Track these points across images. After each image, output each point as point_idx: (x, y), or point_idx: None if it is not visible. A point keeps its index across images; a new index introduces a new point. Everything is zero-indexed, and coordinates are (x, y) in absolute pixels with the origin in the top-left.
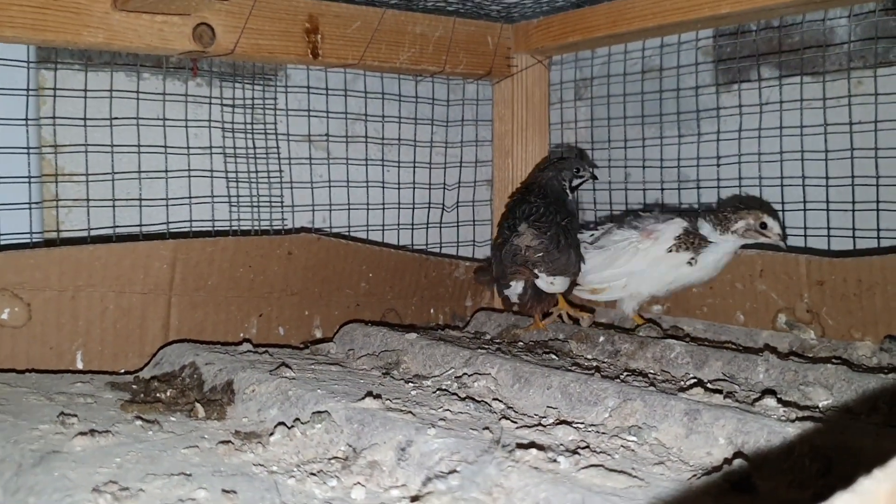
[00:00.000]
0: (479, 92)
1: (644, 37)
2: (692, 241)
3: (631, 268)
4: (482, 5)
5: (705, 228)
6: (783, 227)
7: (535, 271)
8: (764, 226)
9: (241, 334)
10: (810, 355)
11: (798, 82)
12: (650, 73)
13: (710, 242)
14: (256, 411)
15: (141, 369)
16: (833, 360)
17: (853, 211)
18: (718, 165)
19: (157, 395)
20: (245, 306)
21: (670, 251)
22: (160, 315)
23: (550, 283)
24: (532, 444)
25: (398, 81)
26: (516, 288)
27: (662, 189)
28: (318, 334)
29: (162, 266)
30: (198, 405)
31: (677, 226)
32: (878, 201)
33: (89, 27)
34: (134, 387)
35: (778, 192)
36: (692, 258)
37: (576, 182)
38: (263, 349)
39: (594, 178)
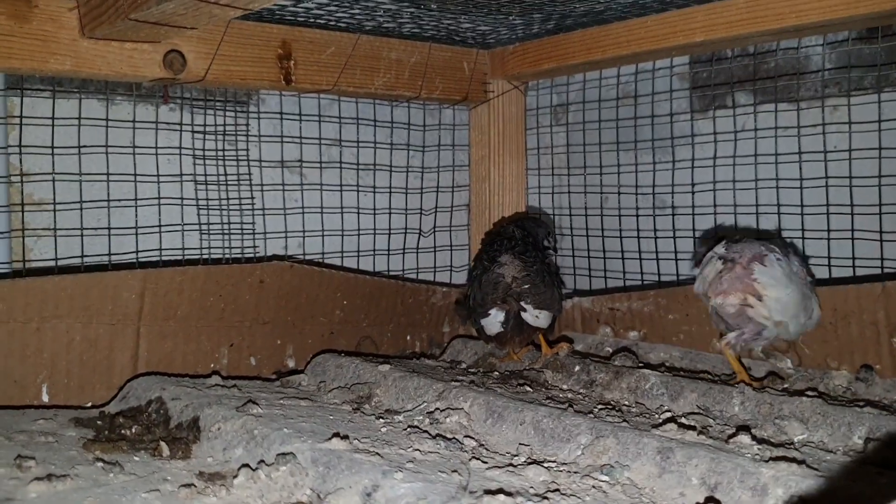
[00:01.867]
0: (455, 116)
1: (619, 64)
2: None
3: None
4: (458, 32)
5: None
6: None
7: (522, 303)
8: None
9: (212, 365)
10: (787, 385)
11: (773, 109)
12: (627, 100)
13: None
14: (222, 450)
15: (108, 403)
16: (808, 392)
17: (828, 239)
18: (693, 192)
19: (122, 431)
20: (216, 336)
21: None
22: (128, 346)
23: (536, 317)
24: (500, 490)
25: (373, 106)
26: (496, 317)
27: (637, 215)
28: (291, 364)
29: (130, 296)
30: (162, 444)
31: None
32: (853, 230)
33: (56, 55)
34: (99, 423)
35: (753, 220)
36: None
37: (546, 244)
38: (232, 383)
39: (555, 251)
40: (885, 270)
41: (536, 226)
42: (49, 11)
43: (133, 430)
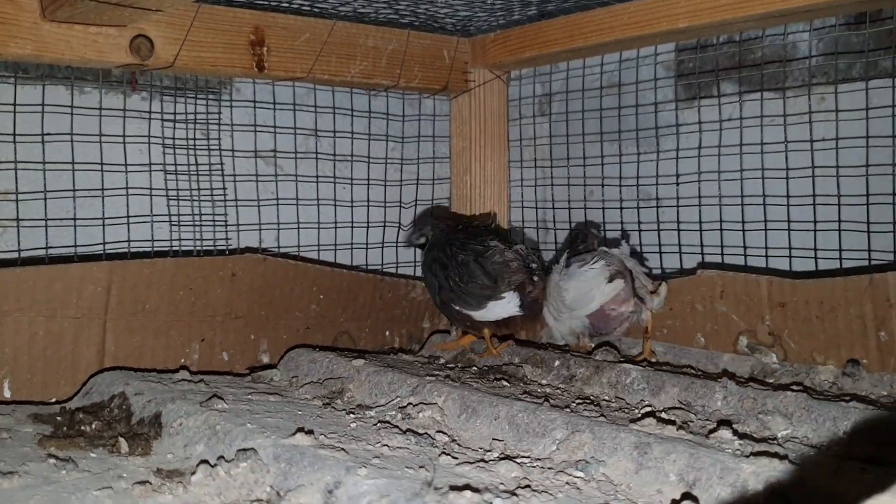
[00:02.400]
0: (436, 107)
1: (602, 51)
2: None
3: None
4: (437, 18)
5: None
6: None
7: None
8: None
9: (183, 360)
10: (772, 380)
11: (759, 98)
12: (611, 89)
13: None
14: (183, 447)
15: (70, 398)
16: (793, 387)
17: (815, 231)
18: (678, 184)
19: (81, 427)
20: (186, 331)
21: None
22: (94, 341)
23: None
24: (467, 486)
25: (350, 95)
26: (511, 301)
27: (622, 208)
28: (266, 359)
29: (96, 289)
30: (121, 439)
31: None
32: (839, 220)
33: (16, 38)
34: (58, 418)
35: (738, 211)
36: None
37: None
38: (200, 378)
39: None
40: (873, 262)
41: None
42: None
43: (93, 426)
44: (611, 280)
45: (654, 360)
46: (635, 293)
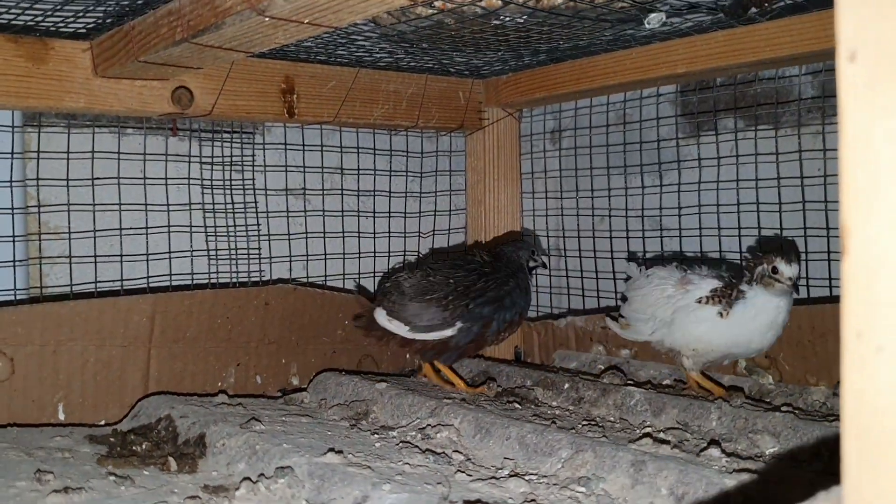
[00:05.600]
0: (452, 143)
1: (607, 92)
2: (727, 294)
3: (656, 312)
4: (453, 64)
5: (744, 283)
6: (798, 271)
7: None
8: (775, 270)
9: (220, 383)
10: (768, 400)
11: (753, 137)
12: (618, 126)
13: (745, 297)
14: (226, 465)
15: (120, 421)
16: (783, 408)
17: (806, 261)
18: (680, 216)
19: (133, 448)
20: (223, 356)
21: (699, 302)
22: (140, 367)
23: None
24: (479, 501)
25: (373, 135)
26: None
27: (628, 237)
28: (296, 381)
29: (141, 319)
30: (170, 459)
31: (716, 281)
32: (829, 251)
33: (71, 93)
34: (111, 439)
35: (736, 243)
36: (723, 310)
37: (531, 264)
38: (238, 401)
39: (544, 266)
40: None
41: (518, 248)
42: (64, 53)
43: (143, 447)
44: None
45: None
46: None
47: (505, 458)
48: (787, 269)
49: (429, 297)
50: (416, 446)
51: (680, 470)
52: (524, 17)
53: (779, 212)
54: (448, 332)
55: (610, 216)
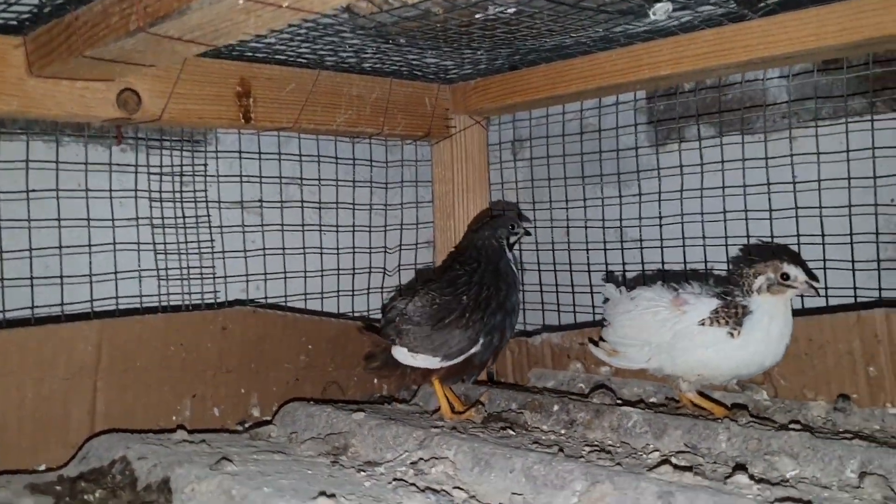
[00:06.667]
0: (417, 152)
1: (583, 98)
2: (732, 313)
3: (651, 337)
4: (420, 67)
5: (743, 297)
6: (809, 272)
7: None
8: (786, 276)
9: (174, 417)
10: (766, 416)
11: (718, 144)
12: (588, 134)
13: (751, 312)
14: None
15: (66, 464)
16: (792, 425)
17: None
18: (661, 225)
19: (85, 497)
20: (178, 387)
21: (703, 324)
22: (85, 401)
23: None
24: None
25: (334, 143)
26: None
27: (605, 250)
28: (256, 413)
29: (86, 348)
30: None
31: (715, 300)
32: (825, 259)
33: (2, 94)
34: (58, 488)
35: (724, 252)
36: (732, 329)
37: (512, 239)
38: (200, 437)
39: (527, 233)
40: (858, 300)
41: (494, 229)
42: None
43: (97, 495)
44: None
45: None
46: None
47: (512, 493)
48: (798, 272)
49: (448, 321)
50: (413, 484)
51: (714, 501)
52: (516, 6)
53: (769, 219)
54: (473, 350)
55: (586, 227)
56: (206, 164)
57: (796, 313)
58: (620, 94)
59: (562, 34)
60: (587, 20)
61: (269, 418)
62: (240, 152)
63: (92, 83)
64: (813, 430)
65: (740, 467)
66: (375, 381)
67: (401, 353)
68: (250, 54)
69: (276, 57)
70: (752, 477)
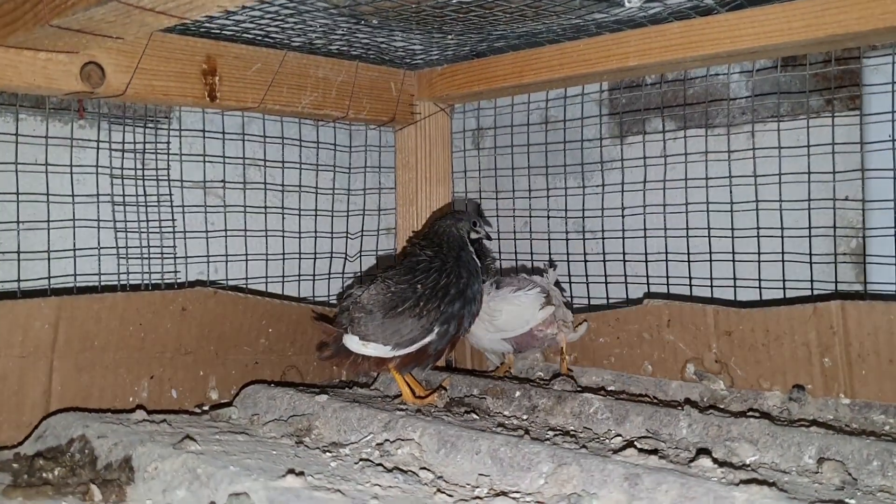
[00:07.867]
0: (381, 138)
1: (550, 87)
2: None
3: None
4: (387, 51)
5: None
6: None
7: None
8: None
9: (131, 398)
10: (722, 406)
11: (682, 136)
12: (552, 124)
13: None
14: (161, 492)
15: (21, 443)
16: (750, 413)
17: (759, 262)
18: (623, 216)
19: (44, 475)
20: (135, 368)
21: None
22: (41, 380)
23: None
24: None
25: (299, 126)
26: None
27: (567, 240)
28: (214, 396)
29: (43, 326)
30: (93, 486)
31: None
32: (783, 252)
33: None
34: (15, 466)
35: (684, 243)
36: None
37: (473, 236)
38: (161, 418)
39: (489, 238)
40: (815, 292)
41: (457, 220)
42: None
43: (56, 473)
44: (544, 306)
45: (571, 374)
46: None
47: (479, 474)
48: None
49: (400, 310)
50: (380, 464)
51: (681, 483)
52: None
53: (730, 212)
54: (427, 339)
55: (549, 217)
56: (168, 143)
57: (753, 304)
58: (587, 83)
59: (534, 19)
60: (561, 6)
61: (227, 401)
62: (203, 131)
63: (55, 55)
64: (772, 418)
65: (703, 451)
66: (335, 366)
67: (352, 342)
68: (217, 31)
69: (244, 35)
70: (715, 460)
